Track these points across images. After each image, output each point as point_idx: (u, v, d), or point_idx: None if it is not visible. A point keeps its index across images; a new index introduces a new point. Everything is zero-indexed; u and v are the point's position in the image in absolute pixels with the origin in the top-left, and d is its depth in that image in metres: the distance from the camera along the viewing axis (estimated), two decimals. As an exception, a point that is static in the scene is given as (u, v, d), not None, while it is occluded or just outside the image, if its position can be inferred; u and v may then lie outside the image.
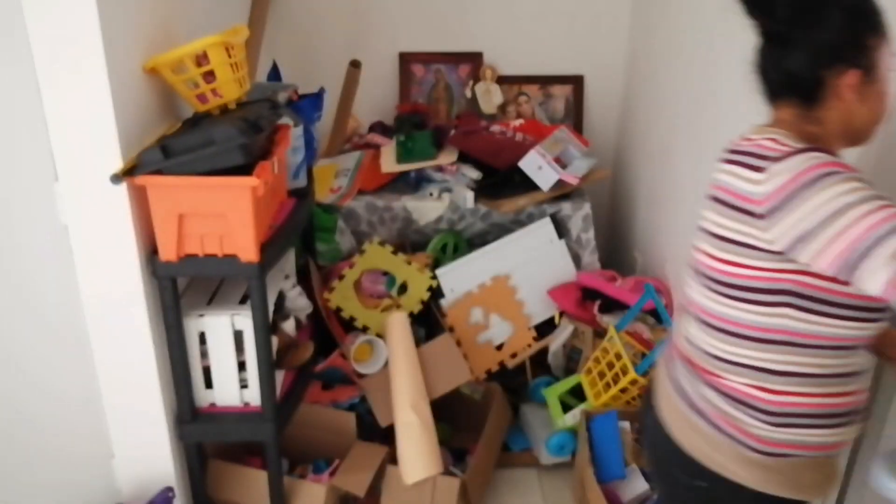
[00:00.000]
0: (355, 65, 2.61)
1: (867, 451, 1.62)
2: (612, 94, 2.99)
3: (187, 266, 1.60)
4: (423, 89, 2.97)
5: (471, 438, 2.21)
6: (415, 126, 2.55)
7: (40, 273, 1.59)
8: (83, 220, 1.56)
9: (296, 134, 1.96)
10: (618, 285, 2.36)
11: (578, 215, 2.49)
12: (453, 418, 2.32)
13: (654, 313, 2.30)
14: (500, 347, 2.36)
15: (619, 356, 2.06)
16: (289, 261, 2.06)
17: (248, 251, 1.58)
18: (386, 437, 2.09)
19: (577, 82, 2.96)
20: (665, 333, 2.11)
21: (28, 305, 1.60)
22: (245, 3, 2.42)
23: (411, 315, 2.30)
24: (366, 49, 2.88)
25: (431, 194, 2.50)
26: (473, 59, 2.94)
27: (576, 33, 2.90)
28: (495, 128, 2.67)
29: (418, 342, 2.21)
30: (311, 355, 1.96)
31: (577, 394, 2.25)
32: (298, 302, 2.03)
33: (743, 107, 1.84)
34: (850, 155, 1.12)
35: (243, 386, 1.77)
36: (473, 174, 2.46)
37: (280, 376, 1.87)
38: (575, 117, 2.99)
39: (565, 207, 2.49)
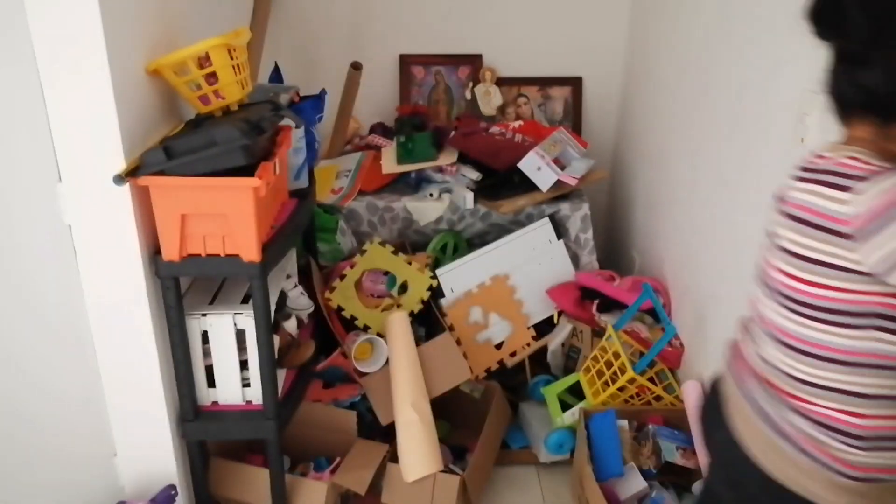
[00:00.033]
0: (356, 67, 2.61)
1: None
2: (611, 96, 3.00)
3: (190, 266, 1.61)
4: (423, 91, 2.99)
5: (470, 436, 2.22)
6: (415, 127, 2.56)
7: (43, 273, 1.59)
8: (86, 221, 1.57)
9: (297, 135, 1.97)
10: (616, 285, 2.37)
11: (577, 216, 2.50)
12: (453, 416, 2.33)
13: (652, 312, 2.32)
14: (499, 346, 2.37)
15: (617, 355, 2.08)
16: (290, 261, 2.07)
17: (250, 251, 1.60)
18: (386, 435, 2.11)
19: (575, 84, 2.98)
20: (662, 332, 2.12)
21: (30, 305, 1.59)
22: (247, 6, 2.43)
23: (411, 314, 2.31)
24: (366, 51, 2.90)
25: (431, 195, 2.51)
26: (473, 61, 2.95)
27: (575, 35, 2.91)
28: (495, 129, 2.68)
29: (418, 341, 2.22)
30: (312, 354, 1.97)
31: (576, 392, 2.26)
32: (300, 301, 2.05)
33: (739, 108, 1.86)
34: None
35: (245, 384, 1.78)
36: (473, 175, 2.47)
37: (282, 375, 1.88)
38: (574, 119, 3.00)
39: (564, 208, 2.50)
